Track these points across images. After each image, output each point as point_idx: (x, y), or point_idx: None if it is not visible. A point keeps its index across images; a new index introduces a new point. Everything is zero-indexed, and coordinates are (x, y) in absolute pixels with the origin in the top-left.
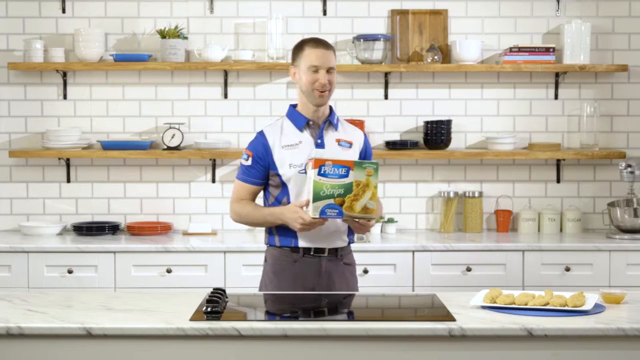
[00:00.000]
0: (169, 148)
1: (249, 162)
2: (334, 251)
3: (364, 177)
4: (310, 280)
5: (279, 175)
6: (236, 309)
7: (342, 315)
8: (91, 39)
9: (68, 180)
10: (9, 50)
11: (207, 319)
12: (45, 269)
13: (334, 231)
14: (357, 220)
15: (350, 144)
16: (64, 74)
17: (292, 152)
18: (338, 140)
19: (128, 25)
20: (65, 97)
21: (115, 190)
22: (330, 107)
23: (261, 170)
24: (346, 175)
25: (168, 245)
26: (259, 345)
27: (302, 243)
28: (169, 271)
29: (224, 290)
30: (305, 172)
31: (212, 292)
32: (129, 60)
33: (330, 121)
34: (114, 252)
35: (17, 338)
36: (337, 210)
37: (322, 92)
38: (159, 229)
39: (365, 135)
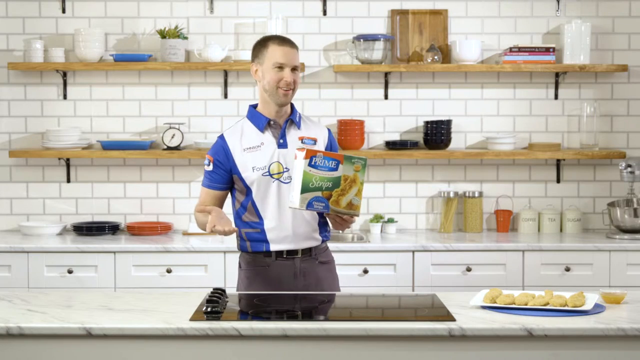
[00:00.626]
0: (169, 148)
1: (211, 168)
2: (308, 251)
3: (352, 172)
4: (285, 283)
5: (242, 180)
6: (236, 309)
7: (340, 315)
8: (91, 39)
9: (68, 180)
10: (9, 50)
11: (207, 319)
12: (45, 269)
13: (305, 231)
14: (340, 215)
15: (315, 141)
16: (64, 74)
17: (254, 155)
18: (301, 138)
19: (128, 25)
20: (65, 97)
21: (115, 190)
22: (292, 105)
23: (223, 175)
24: (335, 169)
25: (168, 245)
26: (259, 345)
27: (273, 247)
28: (169, 271)
29: (224, 290)
30: (270, 175)
31: (212, 292)
32: (129, 60)
33: (292, 120)
34: (114, 252)
35: (17, 338)
36: (323, 204)
37: (286, 91)
38: (159, 229)
39: (329, 130)
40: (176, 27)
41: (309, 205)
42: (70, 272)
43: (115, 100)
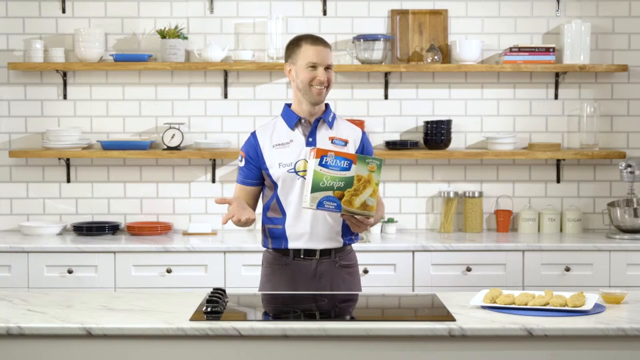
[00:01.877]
0: (169, 148)
1: (243, 163)
2: (327, 253)
3: (366, 173)
4: (301, 284)
5: (269, 175)
6: (236, 309)
7: (341, 316)
8: (91, 39)
9: (68, 180)
10: (9, 50)
11: (207, 319)
12: (45, 269)
13: (323, 230)
14: (355, 216)
15: (346, 142)
16: (64, 74)
17: (282, 151)
18: (332, 139)
19: (128, 25)
20: (65, 97)
21: (115, 190)
22: (327, 105)
23: (254, 171)
24: (348, 169)
25: (168, 245)
26: (259, 345)
27: (291, 244)
28: (169, 271)
29: (224, 290)
30: (295, 172)
31: (212, 292)
32: (129, 60)
33: (323, 119)
34: (114, 252)
35: (17, 338)
36: (335, 204)
37: (320, 89)
38: (159, 229)
39: (364, 133)
40: (176, 27)
41: (320, 205)
42: (70, 272)
43: (115, 100)
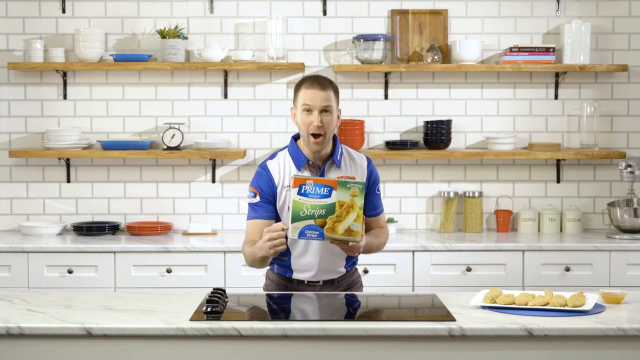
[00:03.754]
0: (169, 148)
1: (257, 200)
2: (330, 282)
3: (349, 198)
4: None
5: (278, 214)
6: (236, 309)
7: (342, 316)
8: (91, 39)
9: (68, 180)
10: (9, 50)
11: (207, 319)
12: (45, 269)
13: (332, 265)
14: (339, 243)
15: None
16: (64, 74)
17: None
18: (339, 179)
19: (128, 25)
20: (65, 97)
21: (115, 190)
22: (335, 140)
23: (269, 207)
24: (328, 195)
25: (168, 245)
26: (259, 345)
27: (296, 275)
28: (169, 271)
29: (224, 290)
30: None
31: (212, 292)
32: (129, 60)
33: (332, 160)
34: (114, 252)
35: (17, 338)
36: (317, 232)
37: (316, 138)
38: (159, 229)
39: (369, 160)
40: (176, 27)
41: (301, 234)
42: (70, 272)
43: (115, 100)
